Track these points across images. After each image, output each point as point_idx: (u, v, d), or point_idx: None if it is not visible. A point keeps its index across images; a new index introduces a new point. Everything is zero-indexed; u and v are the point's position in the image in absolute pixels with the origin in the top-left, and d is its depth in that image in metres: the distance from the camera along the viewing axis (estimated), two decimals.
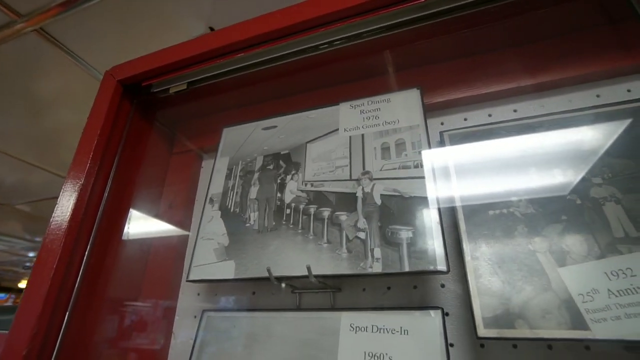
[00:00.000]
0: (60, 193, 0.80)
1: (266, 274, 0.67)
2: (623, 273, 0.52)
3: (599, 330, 0.50)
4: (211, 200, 0.84)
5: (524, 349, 0.59)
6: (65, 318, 0.72)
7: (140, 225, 0.94)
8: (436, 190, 0.65)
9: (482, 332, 0.54)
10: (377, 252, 0.63)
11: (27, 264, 6.02)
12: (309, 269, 0.63)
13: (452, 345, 0.63)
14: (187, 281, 0.75)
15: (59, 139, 2.22)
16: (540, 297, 0.54)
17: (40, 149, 2.32)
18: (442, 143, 0.74)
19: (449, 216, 0.67)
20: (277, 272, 0.67)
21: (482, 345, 0.61)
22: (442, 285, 0.67)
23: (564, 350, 0.57)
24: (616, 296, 0.51)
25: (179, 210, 0.97)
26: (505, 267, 0.58)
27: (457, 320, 0.64)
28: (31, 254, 5.34)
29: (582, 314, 0.51)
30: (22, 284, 7.43)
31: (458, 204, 0.65)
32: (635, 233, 0.54)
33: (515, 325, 0.53)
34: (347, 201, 0.70)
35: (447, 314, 0.65)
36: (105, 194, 0.83)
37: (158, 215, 0.97)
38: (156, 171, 1.02)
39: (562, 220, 0.59)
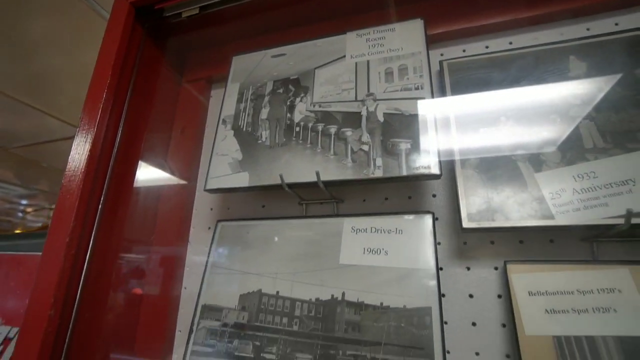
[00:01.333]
0: (81, 117, 0.84)
1: (278, 182, 0.75)
2: (587, 175, 0.61)
3: (561, 219, 0.60)
4: (224, 122, 0.90)
5: (500, 244, 0.69)
6: (92, 236, 0.78)
7: (155, 148, 1.00)
8: (434, 109, 0.72)
9: (466, 224, 0.64)
10: (379, 161, 0.71)
11: (20, 214, 6.06)
12: (317, 174, 0.71)
13: (439, 243, 0.73)
14: (205, 190, 0.83)
15: (53, 81, 2.20)
16: (517, 196, 0.64)
17: (34, 91, 2.29)
18: (441, 71, 0.80)
19: (445, 132, 0.75)
20: (288, 180, 0.75)
21: (464, 243, 0.72)
22: (434, 195, 0.77)
23: (532, 244, 0.67)
24: (579, 193, 0.60)
25: (191, 134, 1.03)
26: (489, 173, 0.67)
27: (445, 224, 0.74)
28: (24, 202, 5.36)
29: (550, 207, 0.61)
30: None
31: (452, 121, 0.73)
32: (602, 144, 0.63)
33: (494, 218, 0.63)
34: (352, 119, 0.77)
35: (436, 219, 0.75)
36: (122, 119, 0.88)
37: (171, 139, 1.03)
38: (168, 99, 1.06)
39: (542, 135, 0.67)
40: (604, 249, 0.63)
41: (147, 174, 0.97)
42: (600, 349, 0.55)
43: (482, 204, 0.65)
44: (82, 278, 0.75)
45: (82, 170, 0.78)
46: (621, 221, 0.56)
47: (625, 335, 0.55)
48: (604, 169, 0.61)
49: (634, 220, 0.55)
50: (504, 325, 0.65)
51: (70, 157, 0.80)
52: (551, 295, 0.61)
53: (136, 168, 0.94)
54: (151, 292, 0.90)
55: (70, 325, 0.70)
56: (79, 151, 0.80)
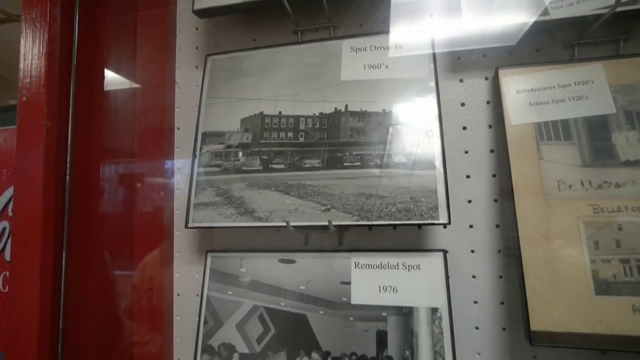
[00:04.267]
0: None
1: None
2: None
3: (556, 13, 0.64)
4: None
5: (490, 56, 0.74)
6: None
7: None
8: None
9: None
10: None
11: None
12: None
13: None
14: (193, 12, 0.77)
15: None
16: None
17: None
18: None
19: None
20: None
21: (458, 58, 0.76)
22: (431, 15, 0.77)
23: (521, 54, 0.72)
24: None
25: None
26: None
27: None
28: None
29: (547, 7, 0.65)
30: None
31: None
32: None
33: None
34: None
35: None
36: None
37: None
38: None
39: None
40: (583, 51, 0.70)
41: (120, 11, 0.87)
42: (571, 127, 0.65)
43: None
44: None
45: None
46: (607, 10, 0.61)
47: (592, 115, 0.65)
48: None
49: (620, 9, 0.60)
50: (490, 127, 0.73)
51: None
52: (535, 91, 0.68)
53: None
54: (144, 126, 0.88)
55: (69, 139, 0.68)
56: None
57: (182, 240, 0.86)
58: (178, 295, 0.86)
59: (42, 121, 0.68)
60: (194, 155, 0.78)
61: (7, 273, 0.98)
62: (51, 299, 0.71)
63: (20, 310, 0.68)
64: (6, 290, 0.97)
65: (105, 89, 0.85)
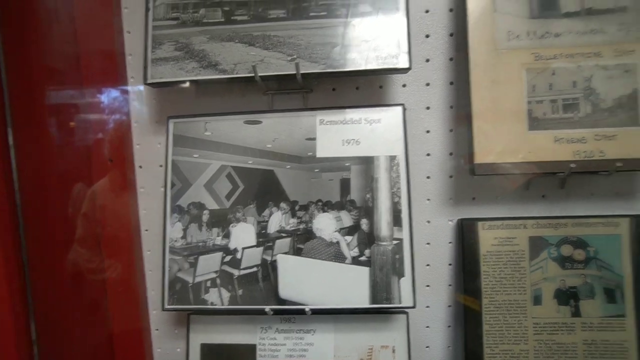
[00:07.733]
0: None
1: None
2: None
3: None
4: None
5: None
6: None
7: None
8: None
9: None
10: None
11: None
12: None
13: None
14: None
15: None
16: None
17: None
18: None
19: None
20: None
21: None
22: None
23: None
24: None
25: None
26: None
27: None
28: None
29: None
30: None
31: None
32: None
33: None
34: None
35: None
36: None
37: None
38: None
39: None
40: None
41: None
42: None
43: None
44: None
45: None
46: None
47: None
48: None
49: None
50: None
51: None
52: None
53: None
54: None
55: None
56: None
57: (139, 108, 0.82)
58: (140, 167, 0.84)
59: None
60: (147, 9, 0.72)
61: None
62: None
63: None
64: None
65: None
